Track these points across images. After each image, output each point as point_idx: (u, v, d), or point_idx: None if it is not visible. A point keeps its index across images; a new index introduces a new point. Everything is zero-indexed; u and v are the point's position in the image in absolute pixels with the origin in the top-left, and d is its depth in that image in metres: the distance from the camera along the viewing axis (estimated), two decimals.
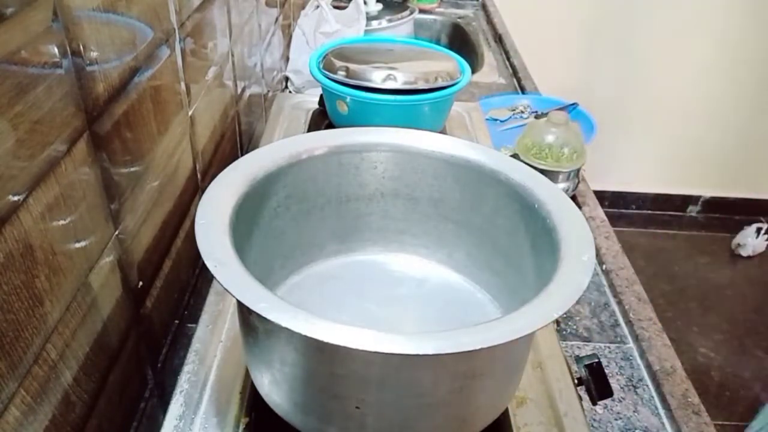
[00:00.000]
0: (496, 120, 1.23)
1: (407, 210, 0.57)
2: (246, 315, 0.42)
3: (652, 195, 2.60)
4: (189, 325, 0.67)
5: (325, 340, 0.32)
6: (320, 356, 0.37)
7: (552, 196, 0.48)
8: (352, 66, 0.76)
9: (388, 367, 0.37)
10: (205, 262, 0.37)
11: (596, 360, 0.56)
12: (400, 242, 0.59)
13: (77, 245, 0.41)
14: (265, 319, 0.34)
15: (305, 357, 0.38)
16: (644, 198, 2.61)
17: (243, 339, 0.44)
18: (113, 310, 0.48)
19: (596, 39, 2.29)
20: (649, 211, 2.61)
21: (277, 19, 1.16)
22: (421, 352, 0.32)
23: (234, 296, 0.35)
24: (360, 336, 0.33)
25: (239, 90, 0.88)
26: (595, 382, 0.56)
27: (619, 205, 2.62)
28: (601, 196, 2.62)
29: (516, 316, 0.36)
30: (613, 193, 2.59)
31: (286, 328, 0.33)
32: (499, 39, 1.67)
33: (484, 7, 1.90)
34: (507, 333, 0.34)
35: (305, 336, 0.33)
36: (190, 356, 0.53)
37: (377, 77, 0.74)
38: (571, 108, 1.26)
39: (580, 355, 0.59)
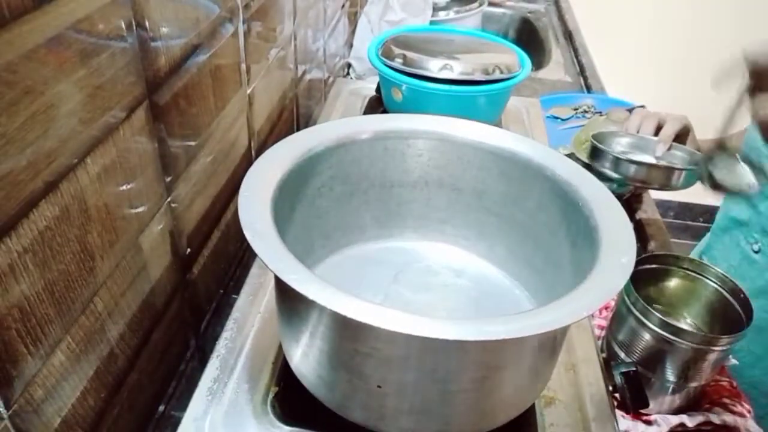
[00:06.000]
0: (557, 118, 1.20)
1: (450, 200, 0.57)
2: (280, 287, 0.43)
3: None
4: (233, 296, 0.70)
5: (348, 315, 0.33)
6: (345, 332, 0.38)
7: (597, 195, 0.46)
8: (409, 54, 0.76)
9: (411, 349, 0.37)
10: (244, 232, 0.39)
11: (633, 368, 0.55)
12: (441, 231, 0.59)
13: (130, 208, 0.44)
14: (295, 290, 0.35)
15: (331, 332, 0.39)
16: (713, 211, 2.49)
17: (277, 310, 0.46)
18: (161, 273, 0.51)
19: (678, 43, 2.19)
20: None
21: (343, 5, 1.17)
22: (441, 337, 0.33)
23: (267, 266, 0.36)
24: (382, 315, 0.33)
25: (300, 73, 0.89)
26: (631, 391, 0.55)
27: (685, 217, 2.51)
28: (668, 206, 2.51)
29: (543, 311, 0.36)
30: (680, 203, 2.47)
31: (313, 301, 0.34)
32: (569, 36, 1.62)
33: (556, 2, 1.85)
34: (531, 327, 0.34)
35: (330, 310, 0.34)
36: (229, 324, 0.55)
37: (434, 66, 0.74)
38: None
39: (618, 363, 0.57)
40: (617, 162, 0.77)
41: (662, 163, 0.80)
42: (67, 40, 0.33)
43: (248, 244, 0.38)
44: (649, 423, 0.64)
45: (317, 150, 0.50)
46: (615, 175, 0.78)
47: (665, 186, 0.77)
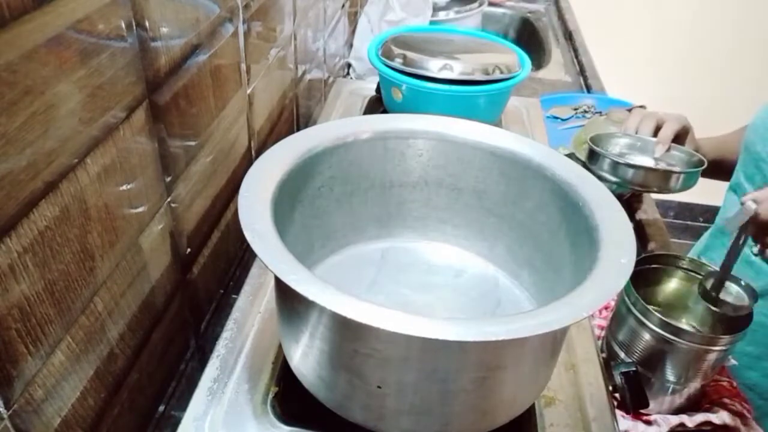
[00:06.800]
0: (557, 118, 1.20)
1: (450, 200, 0.57)
2: (280, 287, 0.43)
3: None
4: (233, 296, 0.70)
5: (348, 315, 0.33)
6: (345, 333, 0.38)
7: (597, 195, 0.46)
8: (409, 54, 0.76)
9: (411, 349, 0.37)
10: (244, 232, 0.39)
11: (633, 368, 0.55)
12: (442, 231, 0.59)
13: (130, 208, 0.44)
14: (295, 291, 0.35)
15: (331, 332, 0.39)
16: (713, 211, 2.49)
17: (277, 310, 0.46)
18: (161, 273, 0.51)
19: (677, 43, 2.19)
20: None
21: (343, 5, 1.17)
22: (441, 337, 0.33)
23: (267, 266, 0.36)
24: (382, 315, 0.33)
25: (300, 73, 0.89)
26: (631, 391, 0.55)
27: (685, 217, 2.51)
28: (668, 206, 2.51)
29: (543, 311, 0.36)
30: (680, 203, 2.47)
31: (313, 302, 0.34)
32: (569, 36, 1.62)
33: (556, 2, 1.85)
34: (531, 327, 0.34)
35: (330, 310, 0.34)
36: (229, 324, 0.55)
37: (434, 66, 0.74)
38: None
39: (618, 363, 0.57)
40: (615, 165, 0.76)
41: (660, 166, 0.80)
42: (67, 40, 0.33)
43: (248, 244, 0.38)
44: (649, 423, 0.64)
45: (317, 150, 0.50)
46: (613, 179, 0.77)
47: (663, 189, 0.77)
